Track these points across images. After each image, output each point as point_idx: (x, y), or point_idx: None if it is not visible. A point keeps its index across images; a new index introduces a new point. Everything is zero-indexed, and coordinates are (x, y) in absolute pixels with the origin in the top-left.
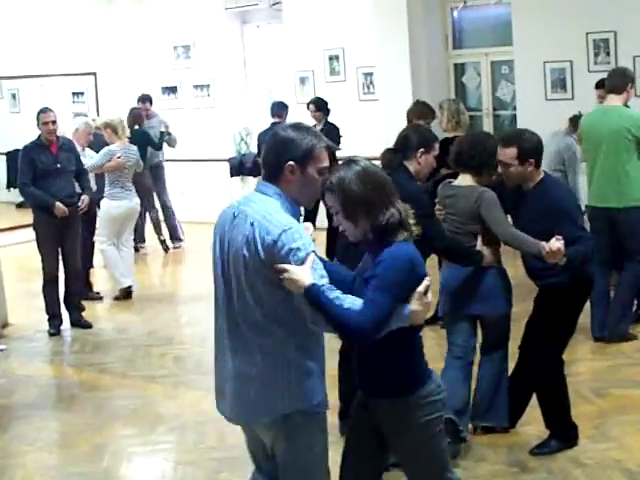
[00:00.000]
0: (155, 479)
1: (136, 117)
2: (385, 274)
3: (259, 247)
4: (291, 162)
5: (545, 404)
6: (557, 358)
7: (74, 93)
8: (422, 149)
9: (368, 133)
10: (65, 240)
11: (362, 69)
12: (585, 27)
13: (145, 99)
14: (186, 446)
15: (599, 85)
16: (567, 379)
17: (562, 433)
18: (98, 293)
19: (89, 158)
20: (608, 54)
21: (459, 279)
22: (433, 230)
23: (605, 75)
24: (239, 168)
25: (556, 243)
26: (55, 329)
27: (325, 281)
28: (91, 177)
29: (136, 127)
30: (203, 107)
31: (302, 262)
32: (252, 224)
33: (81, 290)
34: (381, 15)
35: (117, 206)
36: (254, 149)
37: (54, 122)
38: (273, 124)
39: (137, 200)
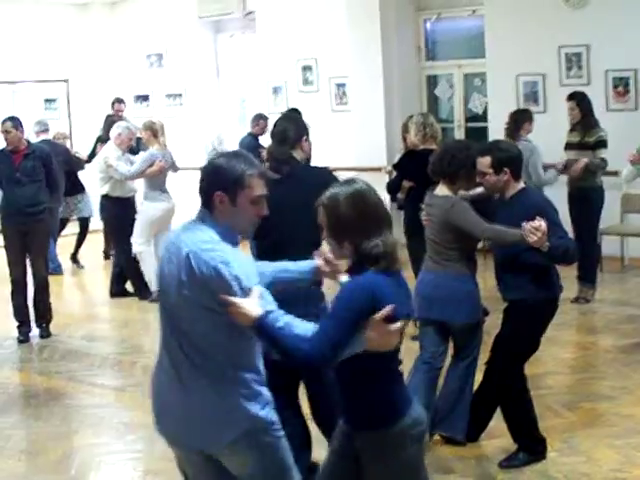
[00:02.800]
0: None
1: (113, 124)
2: (339, 301)
3: (197, 278)
4: (219, 192)
5: (509, 419)
6: (518, 374)
7: (46, 100)
8: (305, 136)
9: (340, 144)
10: (30, 249)
11: (335, 79)
12: (558, 41)
13: (120, 101)
14: (155, 455)
15: (570, 98)
16: (537, 392)
17: (530, 446)
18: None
19: (126, 162)
20: (580, 68)
21: (431, 284)
22: None
23: (577, 89)
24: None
25: (537, 221)
26: (24, 336)
27: (273, 308)
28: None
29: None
30: (175, 116)
31: (246, 294)
32: (187, 255)
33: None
34: (354, 26)
35: (157, 208)
36: None
37: (7, 132)
38: (249, 134)
39: (174, 202)
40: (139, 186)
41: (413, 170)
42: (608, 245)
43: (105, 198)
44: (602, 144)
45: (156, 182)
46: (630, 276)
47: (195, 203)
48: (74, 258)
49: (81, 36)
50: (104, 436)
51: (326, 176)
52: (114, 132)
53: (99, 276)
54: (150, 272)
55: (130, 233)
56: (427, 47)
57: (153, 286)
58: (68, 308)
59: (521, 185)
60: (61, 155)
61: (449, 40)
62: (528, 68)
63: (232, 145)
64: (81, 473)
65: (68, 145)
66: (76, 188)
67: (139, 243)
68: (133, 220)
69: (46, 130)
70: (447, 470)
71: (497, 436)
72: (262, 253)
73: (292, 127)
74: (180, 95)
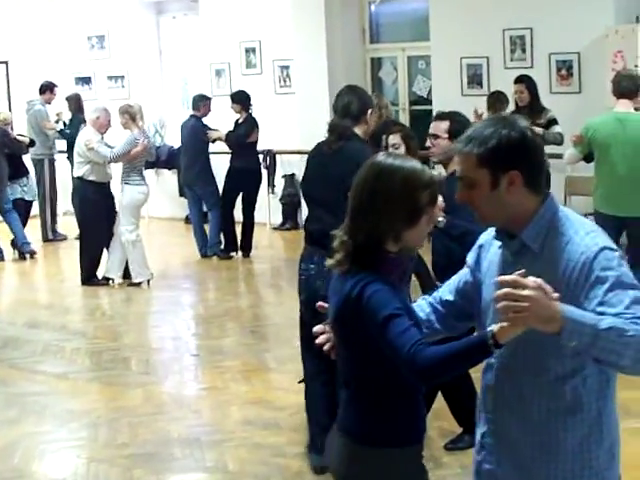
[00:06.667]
0: (67, 476)
1: (78, 102)
2: None
3: None
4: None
5: (452, 403)
6: None
7: None
8: (370, 109)
9: (284, 126)
10: None
11: (279, 62)
12: (502, 23)
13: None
14: (99, 443)
15: (518, 81)
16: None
17: (475, 429)
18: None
19: (104, 146)
20: (524, 51)
21: None
22: None
23: (521, 72)
24: (153, 160)
25: None
26: None
27: None
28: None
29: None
30: (118, 98)
31: None
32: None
33: None
34: (298, 8)
35: (140, 192)
36: (168, 141)
37: None
38: (192, 116)
39: None
40: (116, 172)
41: None
42: None
43: (79, 180)
44: (554, 122)
45: (135, 165)
46: None
47: None
48: (15, 243)
49: (21, 17)
50: (47, 424)
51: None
52: (92, 115)
53: (40, 262)
54: (142, 260)
55: (101, 219)
56: (371, 29)
57: (141, 277)
58: (9, 294)
59: None
60: None
61: (393, 23)
62: (472, 51)
63: (174, 127)
64: (24, 462)
65: (12, 129)
66: (20, 172)
67: (131, 230)
68: (108, 206)
69: None
70: None
71: (442, 418)
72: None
73: (356, 100)
74: (122, 77)
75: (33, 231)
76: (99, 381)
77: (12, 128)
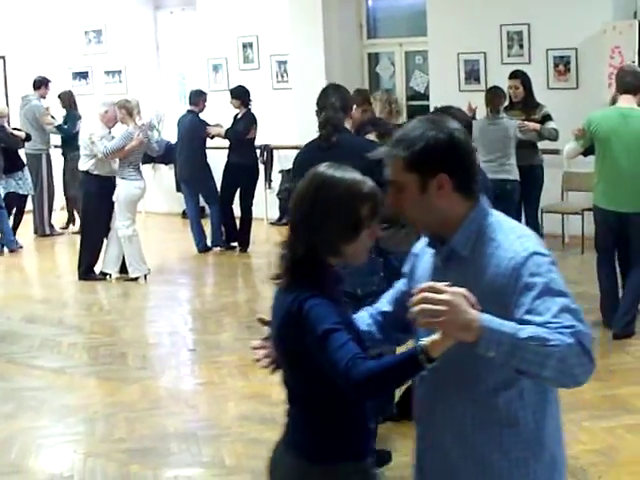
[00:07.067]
0: (64, 471)
1: (71, 99)
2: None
3: None
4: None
5: None
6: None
7: None
8: (355, 105)
9: (281, 121)
10: None
11: (276, 57)
12: (499, 19)
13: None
14: (96, 438)
15: (514, 76)
16: None
17: None
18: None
19: (104, 140)
20: (521, 46)
21: None
22: None
23: (518, 68)
24: (150, 155)
25: None
26: None
27: None
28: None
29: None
30: (115, 93)
31: None
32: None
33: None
34: (295, 3)
35: (137, 187)
36: (166, 136)
37: None
38: (189, 111)
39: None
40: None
41: None
42: (549, 223)
43: (84, 174)
44: (549, 117)
45: (132, 160)
46: (571, 254)
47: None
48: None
49: (18, 12)
50: (44, 419)
51: (369, 149)
52: (100, 110)
53: (37, 256)
54: (139, 255)
55: (104, 213)
56: (369, 25)
57: (138, 272)
58: (6, 289)
59: None
60: None
61: (391, 18)
62: (469, 46)
63: (171, 122)
64: (21, 457)
65: (8, 123)
66: (16, 165)
67: (127, 225)
68: (111, 200)
69: None
70: (391, 449)
71: None
72: None
73: (340, 97)
74: (119, 72)
75: (27, 226)
76: (96, 376)
77: (9, 122)
